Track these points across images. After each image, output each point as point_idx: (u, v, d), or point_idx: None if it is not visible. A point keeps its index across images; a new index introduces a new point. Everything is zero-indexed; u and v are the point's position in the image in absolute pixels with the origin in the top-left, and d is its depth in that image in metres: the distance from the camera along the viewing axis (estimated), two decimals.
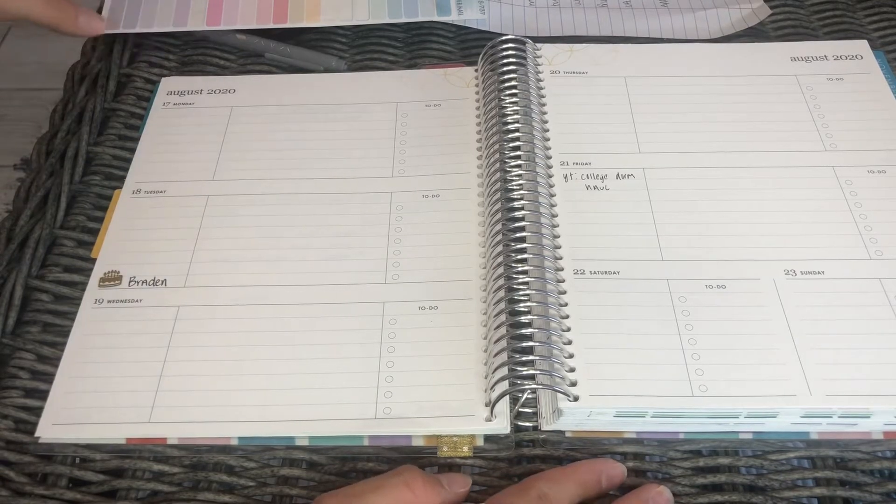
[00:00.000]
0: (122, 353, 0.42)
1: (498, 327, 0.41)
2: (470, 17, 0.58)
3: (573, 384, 0.39)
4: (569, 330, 0.41)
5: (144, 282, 0.45)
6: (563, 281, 0.43)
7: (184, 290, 0.45)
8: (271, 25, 0.57)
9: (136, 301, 0.44)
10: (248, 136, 0.52)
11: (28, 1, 0.47)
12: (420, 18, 0.58)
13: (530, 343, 0.40)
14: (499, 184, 0.46)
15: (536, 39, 0.55)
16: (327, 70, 0.57)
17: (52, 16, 0.47)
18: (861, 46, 0.55)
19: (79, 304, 0.44)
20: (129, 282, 0.45)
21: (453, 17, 0.58)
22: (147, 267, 0.46)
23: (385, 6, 0.58)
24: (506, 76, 0.51)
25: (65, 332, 0.43)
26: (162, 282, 0.45)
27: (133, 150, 0.52)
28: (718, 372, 0.39)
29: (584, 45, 0.56)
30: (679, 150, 0.49)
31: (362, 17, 0.58)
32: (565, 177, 0.48)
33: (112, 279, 0.45)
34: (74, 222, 0.49)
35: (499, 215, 0.44)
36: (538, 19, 0.60)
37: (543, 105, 0.52)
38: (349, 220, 0.48)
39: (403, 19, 0.58)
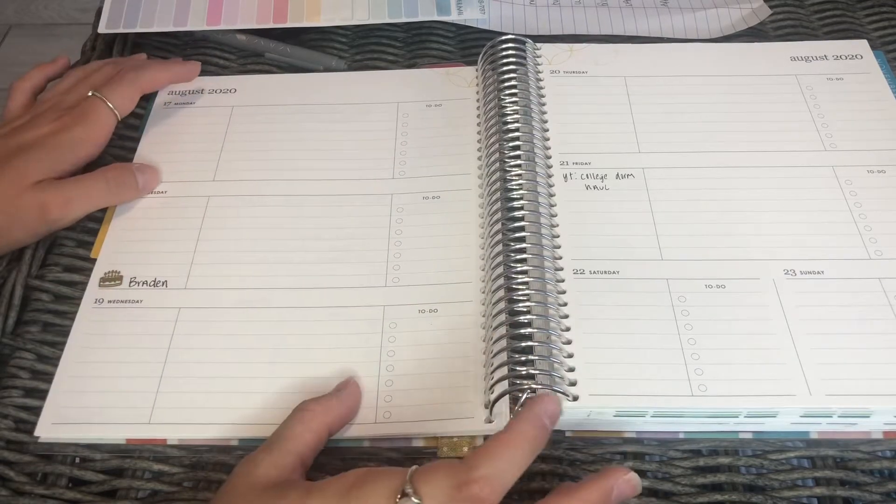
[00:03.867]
0: (123, 354, 0.42)
1: (497, 327, 0.41)
2: (470, 16, 0.58)
3: (573, 384, 0.39)
4: (568, 330, 0.41)
5: (145, 282, 0.45)
6: (563, 281, 0.43)
7: (184, 291, 0.45)
8: (271, 25, 0.57)
9: (137, 302, 0.44)
10: (249, 136, 0.52)
11: (90, 195, 0.47)
12: (420, 18, 0.58)
13: (530, 343, 0.40)
14: (498, 184, 0.46)
15: (536, 38, 0.55)
16: (327, 70, 0.57)
17: (117, 194, 0.49)
18: (861, 46, 0.55)
19: (78, 304, 0.44)
20: (130, 282, 0.45)
21: (453, 17, 0.58)
22: (148, 268, 0.46)
23: (385, 6, 0.58)
24: (506, 76, 0.51)
25: (64, 332, 0.44)
26: (162, 283, 0.45)
27: (133, 150, 0.52)
28: (718, 372, 0.39)
29: (584, 44, 0.56)
30: (679, 149, 0.49)
31: (362, 17, 0.58)
32: (565, 177, 0.48)
33: (112, 279, 0.45)
34: (74, 222, 0.49)
35: (498, 215, 0.44)
36: (538, 18, 0.60)
37: (543, 105, 0.52)
38: (349, 222, 0.48)
39: (403, 19, 0.58)
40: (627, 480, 0.34)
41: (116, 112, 0.50)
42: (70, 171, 0.48)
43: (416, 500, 0.31)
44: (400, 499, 0.31)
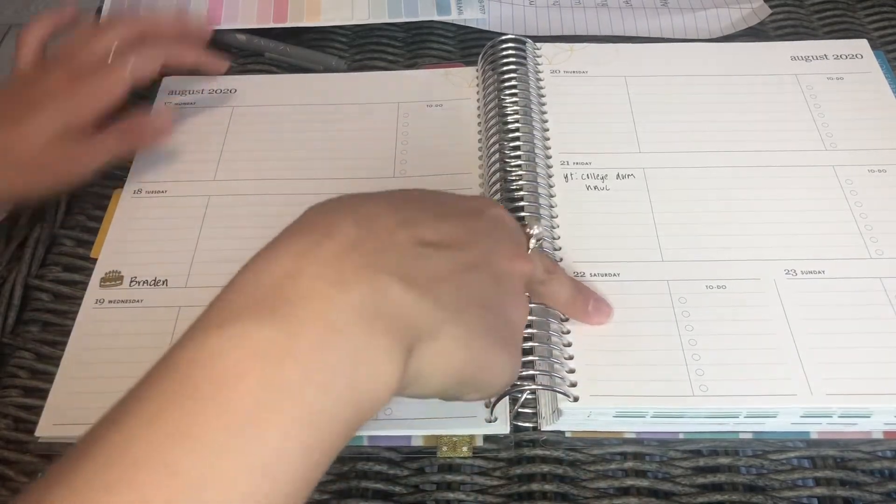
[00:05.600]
0: (124, 354, 0.42)
1: None
2: (470, 16, 0.58)
3: (573, 385, 0.39)
4: (569, 332, 0.41)
5: (145, 282, 0.45)
6: None
7: (185, 290, 0.45)
8: (271, 25, 0.57)
9: (137, 301, 0.44)
10: (250, 136, 0.52)
11: (109, 145, 0.48)
12: (420, 18, 0.58)
13: (530, 344, 0.40)
14: (499, 184, 0.46)
15: (536, 39, 0.55)
16: (327, 70, 0.57)
17: (135, 142, 0.50)
18: (861, 46, 0.55)
19: (78, 304, 0.44)
20: (130, 282, 0.45)
21: (453, 17, 0.58)
22: (148, 267, 0.46)
23: (385, 6, 0.58)
24: (506, 76, 0.51)
25: (64, 332, 0.43)
26: (163, 282, 0.45)
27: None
28: (718, 372, 0.39)
29: (584, 44, 0.56)
30: (679, 149, 0.49)
31: (362, 17, 0.58)
32: (565, 177, 0.48)
33: (113, 279, 0.45)
34: (74, 222, 0.49)
35: None
36: (538, 18, 0.60)
37: (543, 105, 0.51)
38: None
39: (403, 19, 0.58)
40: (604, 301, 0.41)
41: (135, 73, 0.49)
42: (88, 123, 0.48)
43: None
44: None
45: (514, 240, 0.35)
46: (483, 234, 0.32)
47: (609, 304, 0.41)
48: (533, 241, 0.36)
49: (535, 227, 0.36)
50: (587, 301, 0.40)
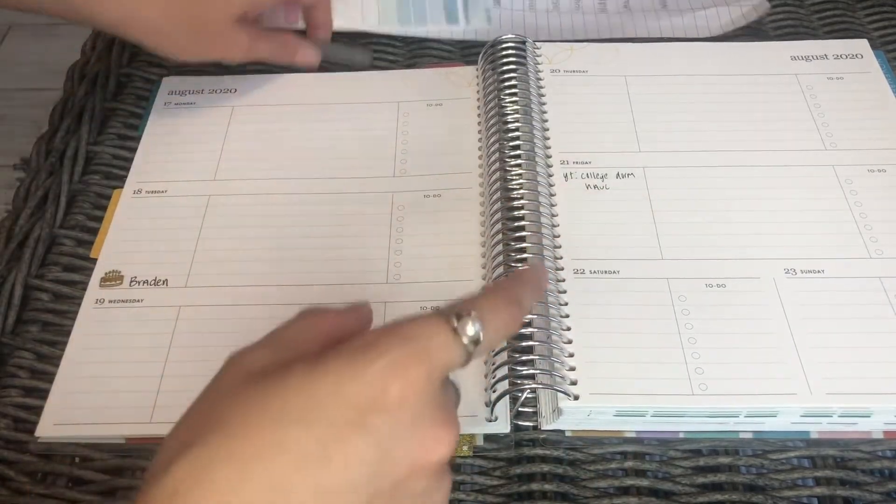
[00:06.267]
0: (124, 353, 0.42)
1: None
2: (477, 25, 0.58)
3: (573, 383, 0.39)
4: (569, 329, 0.41)
5: (146, 282, 0.45)
6: (563, 280, 0.43)
7: (185, 290, 0.45)
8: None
9: (138, 301, 0.44)
10: (250, 135, 0.52)
11: (264, 48, 0.52)
12: (429, 26, 0.58)
13: (530, 343, 0.40)
14: (499, 183, 0.46)
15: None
16: (351, 63, 0.56)
17: (283, 58, 0.54)
18: (861, 45, 0.55)
19: (78, 304, 0.44)
20: (131, 282, 0.45)
21: (461, 27, 0.58)
22: (148, 267, 0.46)
23: (395, 13, 0.58)
24: (506, 75, 0.51)
25: (64, 332, 0.44)
26: (163, 282, 0.45)
27: (133, 150, 0.52)
28: (718, 371, 0.39)
29: (584, 43, 0.56)
30: (679, 149, 0.49)
31: (372, 25, 0.58)
32: (565, 176, 0.48)
33: (113, 279, 0.45)
34: (74, 221, 0.49)
35: (499, 215, 0.44)
36: (538, 23, 0.60)
37: (543, 104, 0.52)
38: (350, 219, 0.48)
39: (413, 27, 0.58)
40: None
41: None
42: (265, 9, 0.53)
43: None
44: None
45: (425, 413, 0.26)
46: (368, 453, 0.25)
47: (529, 277, 0.34)
48: (469, 343, 0.27)
49: (469, 324, 0.27)
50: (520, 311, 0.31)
